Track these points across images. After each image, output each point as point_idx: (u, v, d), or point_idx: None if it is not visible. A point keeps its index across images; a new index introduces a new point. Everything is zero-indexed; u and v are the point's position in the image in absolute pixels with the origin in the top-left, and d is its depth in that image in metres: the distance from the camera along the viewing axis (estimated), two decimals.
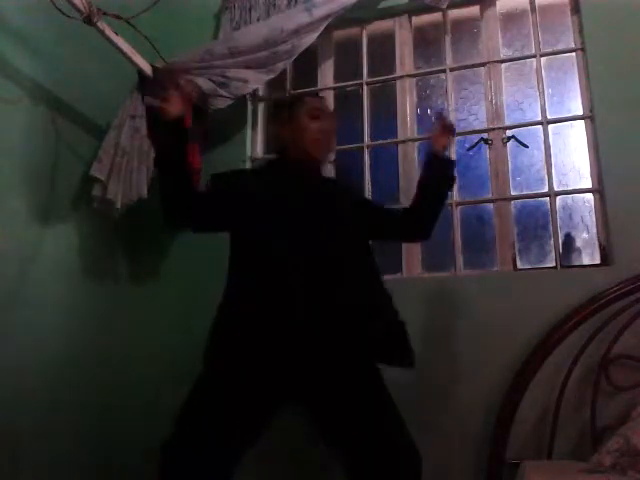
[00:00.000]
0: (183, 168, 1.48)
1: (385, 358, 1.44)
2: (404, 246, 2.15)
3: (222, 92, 2.17)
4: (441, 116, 1.77)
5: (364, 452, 1.37)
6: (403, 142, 2.26)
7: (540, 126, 2.12)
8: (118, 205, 2.03)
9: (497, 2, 2.29)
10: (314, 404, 1.42)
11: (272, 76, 2.21)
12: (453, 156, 2.17)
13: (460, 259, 2.08)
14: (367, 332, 1.40)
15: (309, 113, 1.54)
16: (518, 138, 2.13)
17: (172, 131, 1.48)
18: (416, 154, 2.25)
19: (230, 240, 1.52)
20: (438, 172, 1.68)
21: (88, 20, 1.76)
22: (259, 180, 1.55)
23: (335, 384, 1.38)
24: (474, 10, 2.33)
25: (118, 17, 1.90)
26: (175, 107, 1.47)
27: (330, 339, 1.34)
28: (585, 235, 2.03)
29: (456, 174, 1.75)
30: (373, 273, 1.53)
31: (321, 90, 2.41)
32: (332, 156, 1.73)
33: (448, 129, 1.70)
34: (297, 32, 2.15)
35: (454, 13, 2.34)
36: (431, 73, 2.34)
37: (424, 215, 1.70)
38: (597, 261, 1.96)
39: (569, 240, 2.05)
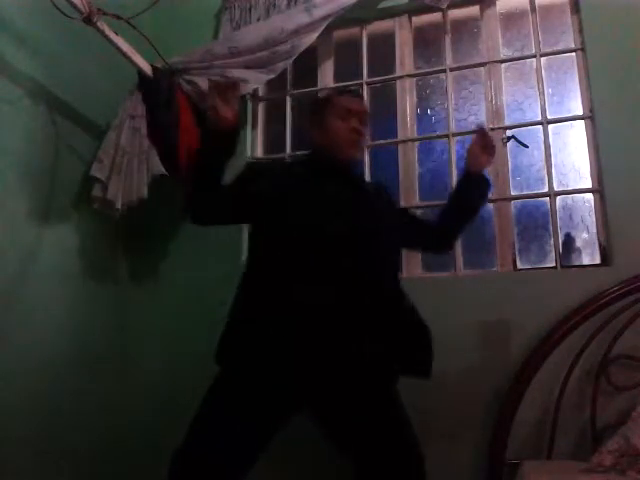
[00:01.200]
0: (223, 174, 1.43)
1: (407, 370, 1.42)
2: None
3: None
4: (483, 131, 1.65)
5: (374, 458, 1.35)
6: (403, 142, 2.26)
7: (540, 126, 2.12)
8: (118, 205, 2.03)
9: (497, 2, 2.29)
10: (327, 409, 1.39)
11: (272, 76, 2.21)
12: (453, 156, 2.18)
13: (460, 259, 2.08)
14: (398, 343, 1.39)
15: (337, 114, 1.51)
16: (518, 138, 2.13)
17: (226, 139, 1.39)
18: (416, 154, 2.25)
19: (255, 232, 1.50)
20: (475, 192, 1.65)
21: (88, 20, 1.76)
22: (295, 172, 1.52)
23: (351, 390, 1.35)
24: (474, 10, 2.33)
25: (118, 17, 1.89)
26: (233, 114, 1.37)
27: (366, 346, 1.32)
28: (585, 235, 2.03)
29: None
30: (400, 278, 1.53)
31: (321, 90, 2.41)
32: (362, 154, 1.72)
33: (489, 148, 1.62)
34: (297, 32, 2.15)
35: (454, 13, 2.34)
36: (431, 73, 2.34)
37: (454, 230, 1.69)
38: (597, 261, 1.96)
39: (569, 240, 2.05)
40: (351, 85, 2.39)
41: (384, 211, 1.55)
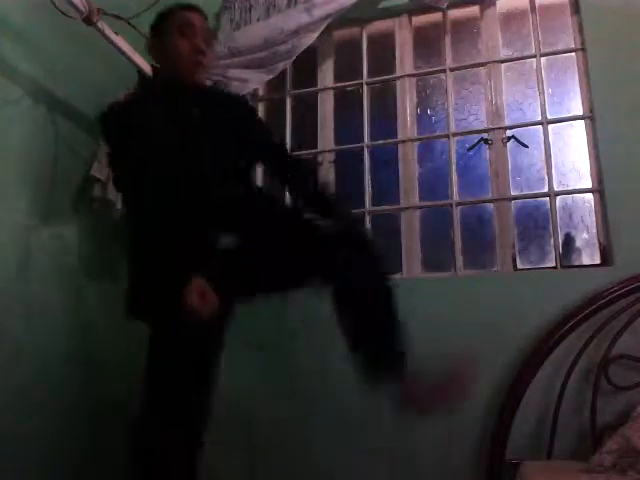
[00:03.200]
0: None
1: None
2: (404, 246, 2.15)
3: None
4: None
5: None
6: (403, 142, 2.26)
7: (540, 126, 2.12)
8: (118, 205, 2.03)
9: (497, 2, 2.29)
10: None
11: (272, 76, 2.21)
12: (453, 156, 2.18)
13: (460, 259, 2.08)
14: None
15: (179, 30, 1.42)
16: (518, 138, 2.13)
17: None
18: (416, 154, 2.25)
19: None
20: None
21: (88, 20, 1.76)
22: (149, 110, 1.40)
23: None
24: (474, 10, 2.33)
25: (118, 17, 1.89)
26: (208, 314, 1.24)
27: None
28: (585, 235, 2.03)
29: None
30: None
31: (321, 90, 2.41)
32: (205, 75, 1.56)
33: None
34: (297, 32, 2.15)
35: (454, 13, 2.34)
36: (431, 73, 2.34)
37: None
38: (597, 261, 1.96)
39: (569, 240, 2.05)
40: (351, 85, 2.40)
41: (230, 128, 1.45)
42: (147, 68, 2.09)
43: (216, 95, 1.67)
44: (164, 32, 1.43)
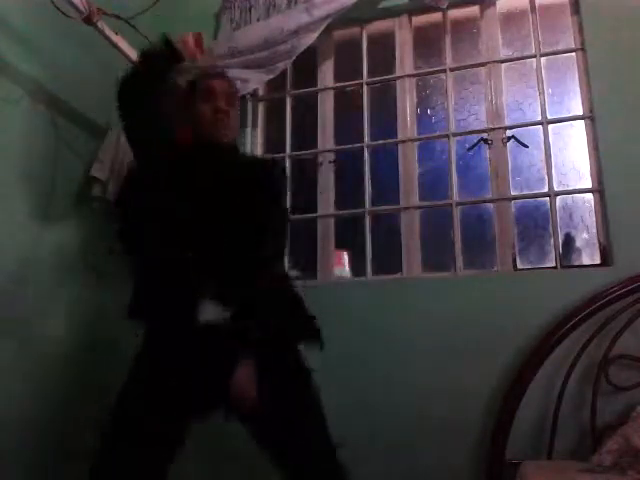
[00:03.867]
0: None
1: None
2: (404, 246, 2.15)
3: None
4: None
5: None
6: (403, 142, 2.26)
7: (540, 126, 2.12)
8: None
9: (497, 2, 2.29)
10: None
11: (272, 76, 2.21)
12: (453, 156, 2.18)
13: (460, 259, 2.08)
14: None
15: (202, 97, 1.49)
16: (518, 138, 2.13)
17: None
18: (416, 154, 2.25)
19: None
20: None
21: (88, 20, 1.76)
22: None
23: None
24: (474, 10, 2.33)
25: (118, 17, 1.89)
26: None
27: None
28: (585, 235, 2.03)
29: None
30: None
31: (321, 90, 2.41)
32: (233, 134, 1.56)
33: None
34: (297, 32, 2.15)
35: (454, 13, 2.34)
36: (431, 73, 2.34)
37: None
38: (597, 261, 1.96)
39: (569, 240, 2.05)
40: (351, 85, 2.40)
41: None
42: None
43: (243, 159, 1.70)
44: (190, 102, 1.52)
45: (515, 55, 2.25)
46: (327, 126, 2.37)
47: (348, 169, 2.33)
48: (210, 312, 1.31)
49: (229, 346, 1.29)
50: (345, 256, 2.28)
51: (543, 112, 2.12)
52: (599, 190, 1.98)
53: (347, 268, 2.27)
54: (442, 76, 2.30)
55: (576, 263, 2.02)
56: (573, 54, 2.15)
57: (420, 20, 2.40)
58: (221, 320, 1.30)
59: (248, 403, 1.26)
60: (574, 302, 1.80)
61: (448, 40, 2.32)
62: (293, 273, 1.56)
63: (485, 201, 2.14)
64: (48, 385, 1.84)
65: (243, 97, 2.29)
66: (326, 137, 2.36)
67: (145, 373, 1.40)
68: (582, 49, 2.10)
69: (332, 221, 2.27)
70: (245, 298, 1.33)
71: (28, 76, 1.85)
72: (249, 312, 1.32)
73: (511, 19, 2.29)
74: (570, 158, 2.10)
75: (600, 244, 1.96)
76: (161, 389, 1.33)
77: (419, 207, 2.19)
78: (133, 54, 2.01)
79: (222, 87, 1.52)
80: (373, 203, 2.25)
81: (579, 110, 2.09)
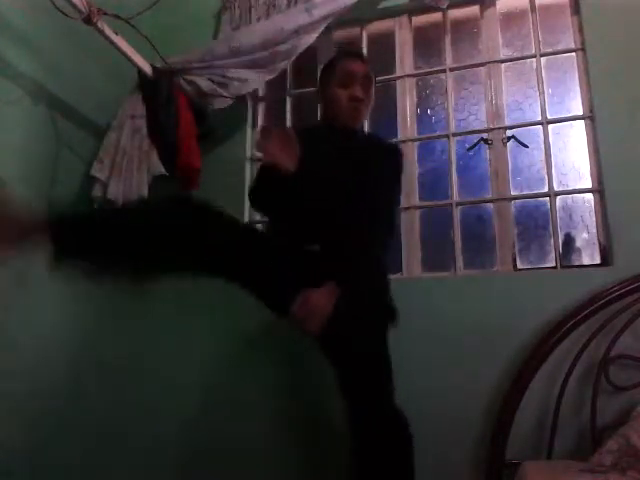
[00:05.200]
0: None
1: None
2: (404, 246, 2.15)
3: (222, 92, 2.17)
4: None
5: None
6: (403, 142, 2.26)
7: (540, 126, 2.12)
8: (118, 205, 2.03)
9: (497, 2, 2.29)
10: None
11: (272, 76, 2.21)
12: (453, 156, 2.18)
13: (460, 259, 2.08)
14: None
15: (339, 81, 1.51)
16: (518, 138, 2.13)
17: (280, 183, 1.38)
18: (416, 154, 2.25)
19: None
20: None
21: (88, 20, 1.76)
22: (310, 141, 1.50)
23: None
24: (474, 10, 2.33)
25: (118, 17, 1.90)
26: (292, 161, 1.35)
27: None
28: (585, 235, 2.03)
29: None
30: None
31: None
32: (363, 118, 1.63)
33: None
34: (297, 32, 2.15)
35: (454, 13, 2.34)
36: (431, 73, 2.34)
37: None
38: (597, 261, 1.96)
39: (569, 240, 2.05)
40: None
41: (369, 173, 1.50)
42: (147, 68, 2.11)
43: (372, 141, 1.74)
44: (327, 83, 1.54)
45: (515, 55, 2.25)
46: None
47: None
48: None
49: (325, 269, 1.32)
50: None
51: (543, 112, 2.12)
52: (599, 190, 1.97)
53: None
54: (442, 76, 2.30)
55: (576, 263, 2.02)
56: (573, 54, 2.15)
57: (420, 20, 2.40)
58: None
59: (316, 321, 1.27)
60: (574, 302, 1.80)
61: (448, 40, 2.32)
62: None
63: (485, 201, 2.14)
64: (47, 386, 1.84)
65: (243, 97, 2.29)
66: None
67: None
68: (582, 49, 2.10)
69: None
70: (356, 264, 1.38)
71: (28, 76, 1.85)
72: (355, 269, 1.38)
73: (511, 19, 2.29)
74: (570, 158, 2.10)
75: (600, 244, 1.96)
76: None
77: (419, 207, 2.19)
78: (133, 54, 2.01)
79: (361, 71, 1.53)
80: None
81: (579, 110, 2.09)
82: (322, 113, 1.60)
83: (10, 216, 1.22)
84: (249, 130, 2.40)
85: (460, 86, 2.30)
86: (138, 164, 2.06)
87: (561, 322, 1.78)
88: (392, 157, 1.61)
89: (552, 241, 2.01)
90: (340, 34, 2.47)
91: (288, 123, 2.44)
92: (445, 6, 2.23)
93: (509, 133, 2.15)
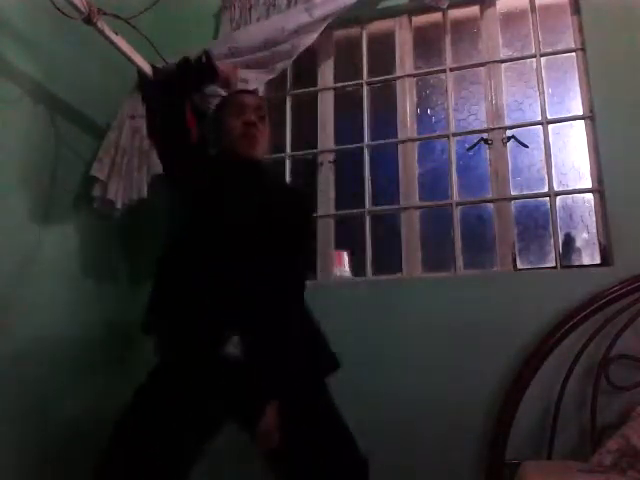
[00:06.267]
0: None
1: None
2: (404, 246, 2.15)
3: (222, 92, 2.17)
4: None
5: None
6: (403, 142, 2.26)
7: (540, 126, 2.12)
8: (118, 205, 2.03)
9: (497, 2, 2.29)
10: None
11: (272, 76, 2.21)
12: (453, 156, 2.18)
13: (460, 259, 2.08)
14: None
15: (233, 112, 1.52)
16: (518, 138, 2.13)
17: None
18: (416, 154, 2.25)
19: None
20: None
21: (88, 20, 1.76)
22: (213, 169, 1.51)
23: None
24: (474, 10, 2.33)
25: (118, 17, 1.89)
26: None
27: None
28: (585, 235, 2.03)
29: None
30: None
31: (321, 90, 2.41)
32: (263, 150, 1.57)
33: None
34: (297, 32, 2.15)
35: (454, 13, 2.34)
36: (431, 73, 2.34)
37: None
38: (597, 261, 1.96)
39: (569, 240, 2.05)
40: (351, 85, 2.40)
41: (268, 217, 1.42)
42: (147, 68, 2.10)
43: (278, 183, 1.75)
44: (222, 116, 1.55)
45: (515, 55, 2.25)
46: (327, 126, 2.37)
47: (348, 169, 2.33)
48: (234, 346, 1.29)
49: (253, 384, 1.28)
50: (345, 256, 2.28)
51: (543, 112, 2.12)
52: (599, 190, 1.98)
53: (347, 268, 2.27)
54: (442, 76, 2.30)
55: (576, 263, 2.02)
56: (573, 54, 2.15)
57: (420, 20, 2.40)
58: (244, 356, 1.28)
59: (272, 445, 1.27)
60: (574, 302, 1.80)
61: (448, 40, 2.32)
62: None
63: (485, 201, 2.14)
64: (47, 385, 1.84)
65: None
66: (326, 137, 2.36)
67: (159, 395, 1.40)
68: (582, 49, 2.10)
69: (332, 221, 2.27)
70: (271, 332, 1.30)
71: (28, 76, 1.85)
72: (274, 349, 1.29)
73: (511, 19, 2.30)
74: (570, 158, 2.10)
75: (600, 244, 1.96)
76: (175, 416, 1.34)
77: (419, 207, 2.19)
78: (133, 54, 2.01)
79: (252, 102, 1.54)
80: (373, 203, 2.25)
81: (579, 110, 2.09)
82: (219, 147, 1.55)
83: None
84: None
85: (460, 86, 2.30)
86: (138, 164, 2.06)
87: (561, 322, 1.78)
88: (300, 204, 1.55)
89: (552, 241, 2.01)
90: (340, 34, 2.47)
91: (288, 123, 2.44)
92: (445, 6, 2.23)
93: (509, 133, 2.15)
